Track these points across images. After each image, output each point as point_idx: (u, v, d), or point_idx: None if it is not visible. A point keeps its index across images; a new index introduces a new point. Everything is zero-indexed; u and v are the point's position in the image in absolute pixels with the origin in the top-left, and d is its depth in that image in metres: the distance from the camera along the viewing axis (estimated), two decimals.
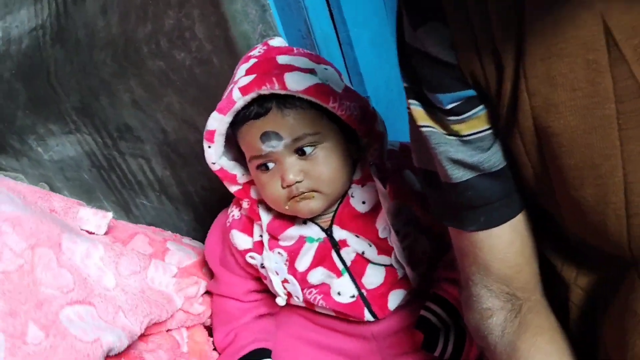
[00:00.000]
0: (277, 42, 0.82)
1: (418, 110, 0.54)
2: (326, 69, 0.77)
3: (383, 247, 0.82)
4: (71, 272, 0.74)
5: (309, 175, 0.76)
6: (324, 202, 0.78)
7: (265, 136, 0.74)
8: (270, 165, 0.77)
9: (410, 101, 0.55)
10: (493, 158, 0.53)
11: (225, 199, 0.95)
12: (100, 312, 0.75)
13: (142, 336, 0.85)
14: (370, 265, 0.83)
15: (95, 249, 0.81)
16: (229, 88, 0.75)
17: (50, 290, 0.70)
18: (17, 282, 0.67)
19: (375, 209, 0.81)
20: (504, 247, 0.57)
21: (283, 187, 0.76)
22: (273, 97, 0.73)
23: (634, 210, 0.44)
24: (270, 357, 0.91)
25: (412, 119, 0.55)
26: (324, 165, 0.76)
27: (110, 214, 0.88)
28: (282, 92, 0.71)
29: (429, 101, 0.53)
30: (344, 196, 0.81)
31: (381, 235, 0.81)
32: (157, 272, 0.89)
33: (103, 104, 1.12)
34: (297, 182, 0.75)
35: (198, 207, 1.21)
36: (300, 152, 0.75)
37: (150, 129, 1.12)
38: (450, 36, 0.49)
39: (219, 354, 0.95)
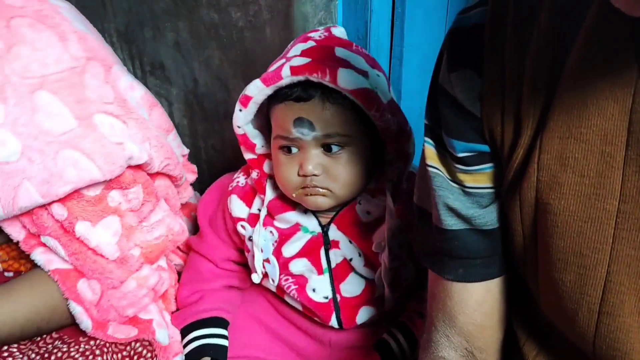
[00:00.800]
0: (339, 32, 0.82)
1: (430, 150, 0.55)
2: (378, 75, 0.77)
3: (371, 261, 0.82)
4: (114, 90, 0.79)
5: (327, 173, 0.76)
6: (333, 202, 0.78)
7: (299, 121, 0.74)
8: (294, 150, 0.77)
9: (426, 139, 0.56)
10: (488, 217, 0.53)
11: (231, 165, 0.95)
12: (131, 131, 0.78)
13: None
14: (352, 274, 0.84)
15: (139, 87, 0.86)
16: (280, 62, 0.75)
17: (93, 95, 0.76)
18: (66, 79, 0.74)
19: (376, 222, 0.81)
20: (474, 305, 0.57)
21: (299, 175, 0.77)
22: (320, 86, 0.72)
23: (607, 308, 0.44)
24: (226, 329, 0.91)
25: (423, 156, 0.56)
26: (344, 168, 0.76)
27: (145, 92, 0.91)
28: (331, 85, 0.71)
29: (443, 144, 0.54)
30: (351, 200, 0.82)
31: (374, 249, 0.81)
32: (173, 142, 0.92)
33: (146, 35, 1.12)
34: (314, 174, 0.75)
35: (202, 164, 1.21)
36: (327, 148, 0.75)
37: (183, 75, 1.12)
38: (480, 88, 0.49)
39: (177, 308, 0.95)
